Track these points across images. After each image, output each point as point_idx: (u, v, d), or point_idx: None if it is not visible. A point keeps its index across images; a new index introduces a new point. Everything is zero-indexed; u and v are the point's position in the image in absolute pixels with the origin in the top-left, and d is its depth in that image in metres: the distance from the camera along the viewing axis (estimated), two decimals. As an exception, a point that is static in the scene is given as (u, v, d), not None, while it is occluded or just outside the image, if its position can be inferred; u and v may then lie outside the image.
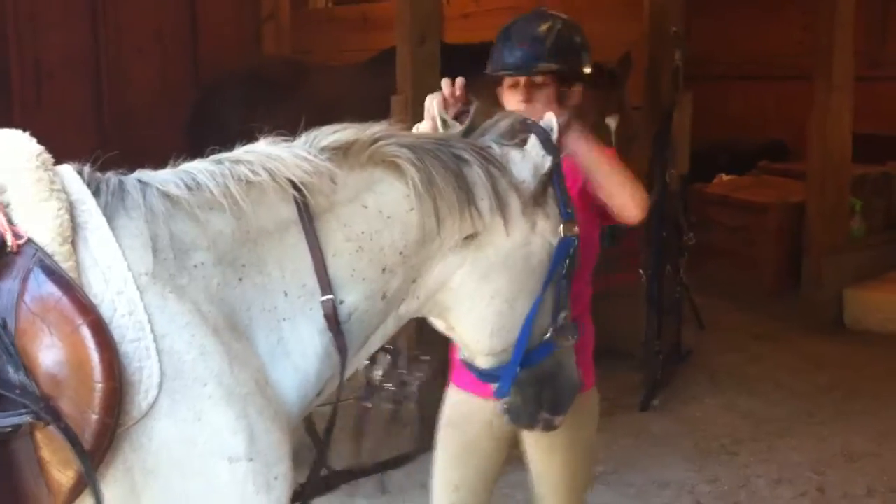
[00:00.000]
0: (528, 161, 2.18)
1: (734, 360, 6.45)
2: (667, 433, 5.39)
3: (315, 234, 1.96)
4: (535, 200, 2.18)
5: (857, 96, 7.08)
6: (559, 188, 2.21)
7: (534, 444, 2.94)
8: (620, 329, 6.32)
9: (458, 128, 2.34)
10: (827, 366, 6.27)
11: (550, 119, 2.22)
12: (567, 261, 2.21)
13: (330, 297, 1.97)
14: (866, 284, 7.14)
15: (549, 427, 2.40)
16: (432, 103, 2.48)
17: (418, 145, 2.09)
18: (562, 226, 2.19)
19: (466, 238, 2.13)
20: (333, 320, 1.97)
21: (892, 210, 7.86)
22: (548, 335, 2.25)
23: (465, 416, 2.88)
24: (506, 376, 2.27)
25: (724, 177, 8.55)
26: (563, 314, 2.26)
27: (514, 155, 2.18)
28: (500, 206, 2.12)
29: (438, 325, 2.32)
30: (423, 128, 2.53)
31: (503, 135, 2.22)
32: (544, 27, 2.83)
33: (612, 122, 5.11)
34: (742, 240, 7.72)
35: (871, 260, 7.39)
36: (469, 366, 2.38)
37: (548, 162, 2.18)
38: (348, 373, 2.13)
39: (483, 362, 2.28)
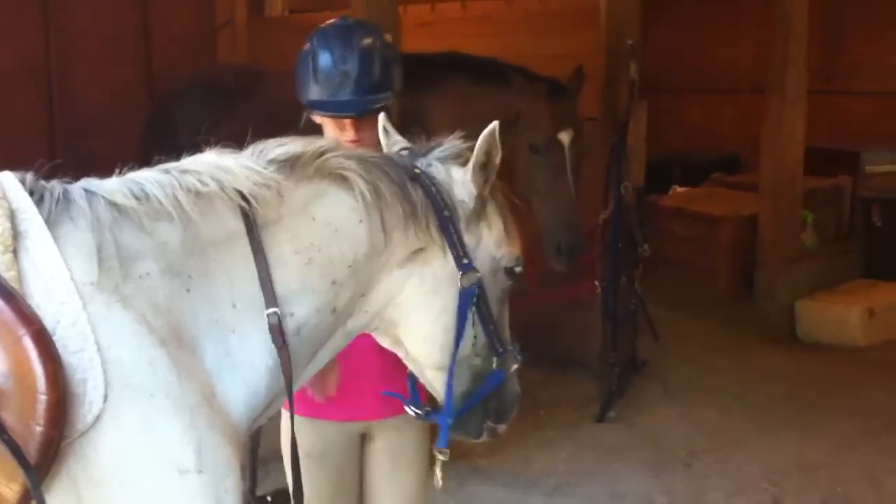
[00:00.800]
0: (470, 177, 2.19)
1: (689, 370, 6.48)
2: (623, 444, 5.40)
3: (261, 246, 1.95)
4: (478, 216, 2.20)
5: (809, 110, 7.17)
6: (454, 236, 2.17)
7: (379, 464, 2.88)
8: (577, 340, 6.36)
9: (400, 142, 2.37)
10: (780, 377, 6.32)
11: (492, 127, 2.19)
12: (475, 306, 2.19)
13: (275, 310, 1.94)
14: (818, 296, 7.22)
15: (493, 435, 2.42)
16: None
17: (364, 158, 2.11)
18: (459, 277, 2.17)
19: (414, 252, 2.14)
20: (278, 334, 1.94)
21: (843, 223, 7.96)
22: (494, 364, 2.27)
23: (328, 443, 2.79)
24: (444, 414, 2.31)
25: (679, 189, 8.62)
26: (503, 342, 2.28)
27: (456, 173, 2.20)
28: (443, 222, 2.14)
29: (384, 341, 2.31)
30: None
31: (447, 154, 2.23)
32: (366, 53, 2.72)
33: (565, 136, 5.10)
34: (696, 251, 7.79)
35: (822, 272, 7.47)
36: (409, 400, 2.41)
37: (485, 186, 2.19)
38: (296, 387, 2.10)
39: (432, 376, 2.28)
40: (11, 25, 6.03)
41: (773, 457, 5.21)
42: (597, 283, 5.92)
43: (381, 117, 2.45)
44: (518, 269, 2.28)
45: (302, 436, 2.61)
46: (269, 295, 1.94)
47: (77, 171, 1.94)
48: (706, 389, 6.16)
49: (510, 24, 7.49)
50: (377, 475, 2.86)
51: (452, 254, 2.15)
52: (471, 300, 2.18)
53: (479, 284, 2.18)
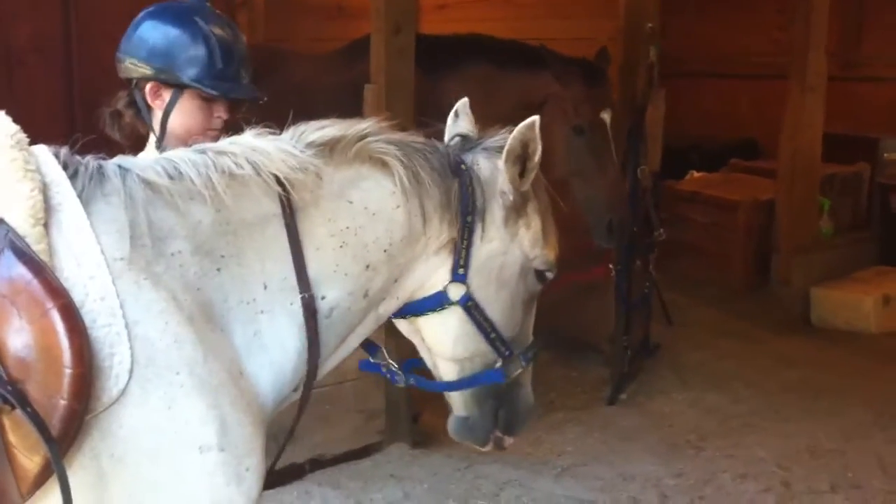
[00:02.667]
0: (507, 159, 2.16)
1: (702, 356, 6.49)
2: (634, 427, 5.42)
3: (296, 229, 1.95)
4: (518, 212, 2.19)
5: (829, 96, 7.14)
6: (463, 243, 2.16)
7: None
8: (590, 323, 6.37)
9: (464, 127, 2.34)
10: (793, 363, 6.33)
11: (533, 121, 2.17)
12: (467, 315, 2.18)
13: (309, 293, 1.96)
14: (833, 283, 7.21)
15: (498, 446, 2.40)
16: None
17: (406, 144, 2.10)
18: (447, 283, 2.16)
19: (449, 240, 2.14)
20: (311, 318, 1.96)
21: (860, 210, 7.93)
22: (498, 364, 2.25)
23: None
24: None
25: (696, 174, 8.60)
26: (516, 345, 2.27)
27: (501, 164, 2.17)
28: (483, 210, 2.14)
29: (402, 326, 2.31)
30: None
31: (496, 145, 2.21)
32: (241, 38, 2.68)
33: (606, 116, 5.16)
34: (712, 237, 7.78)
35: (838, 259, 7.46)
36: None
37: (522, 180, 2.17)
38: (325, 370, 2.13)
39: (444, 368, 2.28)
40: (30, 4, 6.05)
41: (784, 442, 5.22)
42: (611, 266, 5.94)
43: (462, 102, 2.38)
44: (549, 275, 2.27)
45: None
46: (303, 278, 1.95)
47: (97, 147, 1.96)
48: (718, 374, 6.16)
49: (528, 8, 7.48)
50: None
51: (453, 259, 2.14)
52: (437, 305, 2.17)
53: (469, 297, 2.16)
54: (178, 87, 2.55)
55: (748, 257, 7.71)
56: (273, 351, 1.94)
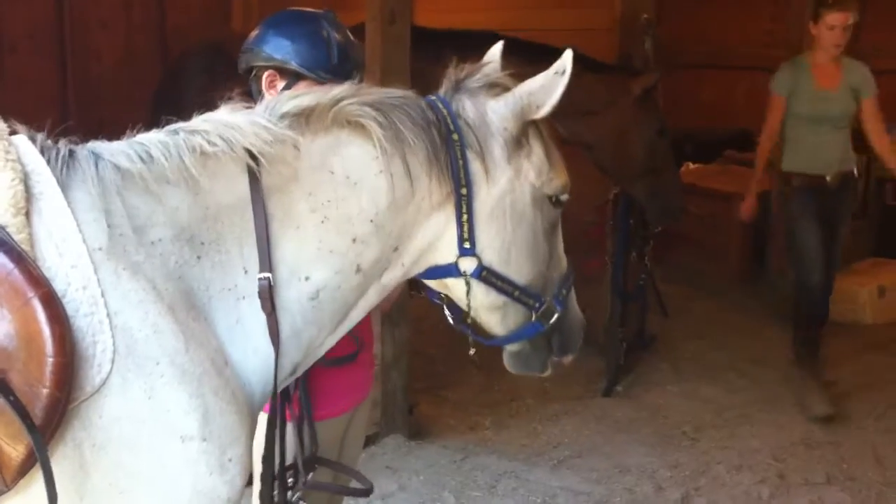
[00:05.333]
0: (511, 107, 2.07)
1: (697, 347, 6.49)
2: (629, 419, 5.42)
3: (262, 206, 1.89)
4: (518, 144, 2.10)
5: (825, 88, 7.10)
6: (463, 216, 2.07)
7: (355, 434, 2.91)
8: (585, 315, 6.34)
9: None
10: (788, 354, 6.32)
11: (568, 56, 2.07)
12: (484, 284, 2.12)
13: (267, 275, 1.89)
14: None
15: (558, 367, 2.37)
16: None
17: (383, 101, 2.01)
18: (457, 257, 2.08)
19: (448, 194, 2.04)
20: (268, 300, 1.89)
21: (856, 202, 7.91)
22: (533, 318, 2.20)
23: (333, 441, 2.78)
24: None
25: (691, 165, 8.58)
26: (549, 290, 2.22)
27: (493, 104, 2.09)
28: (482, 154, 2.05)
29: (432, 282, 2.23)
30: None
31: (481, 84, 2.12)
32: (359, 46, 2.81)
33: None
34: (708, 228, 7.76)
35: (834, 250, 7.42)
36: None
37: (543, 109, 2.07)
38: (322, 351, 2.09)
39: (484, 318, 2.21)
40: (24, -10, 6.02)
41: (779, 433, 5.22)
42: (607, 258, 5.93)
43: (497, 45, 2.32)
44: (564, 198, 2.18)
45: (323, 437, 2.63)
46: (265, 258, 1.88)
47: (89, 135, 1.92)
48: (714, 366, 6.17)
49: (523, -2, 7.45)
50: (350, 444, 2.88)
51: (457, 233, 2.06)
52: (449, 277, 2.11)
53: (482, 268, 2.09)
54: (294, 77, 2.61)
55: (744, 249, 7.71)
56: (256, 338, 1.90)
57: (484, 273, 2.10)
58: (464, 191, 2.04)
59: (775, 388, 5.82)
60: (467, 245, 2.07)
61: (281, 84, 2.62)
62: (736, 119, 9.37)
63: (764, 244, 7.47)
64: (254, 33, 2.71)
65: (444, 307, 2.28)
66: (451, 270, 2.11)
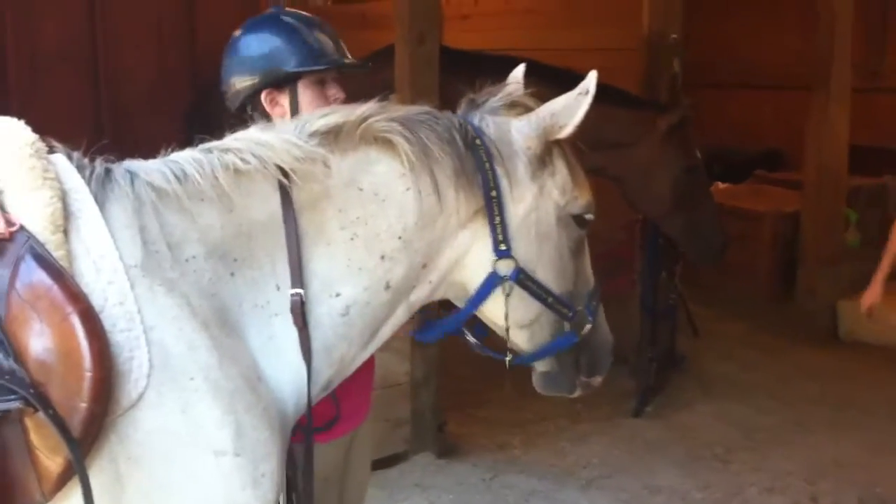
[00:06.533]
0: (535, 126, 2.08)
1: (728, 368, 6.45)
2: (660, 439, 5.39)
3: (294, 223, 1.91)
4: (542, 163, 2.10)
5: (854, 107, 7.08)
6: (496, 218, 2.07)
7: (358, 456, 2.85)
8: (615, 335, 6.32)
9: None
10: (820, 376, 6.27)
11: (592, 78, 2.08)
12: (522, 289, 2.10)
13: (299, 291, 1.91)
14: (860, 296, 7.11)
15: (587, 389, 2.35)
16: None
17: (409, 118, 2.02)
18: (494, 261, 2.07)
19: (476, 211, 2.06)
20: (300, 316, 1.91)
21: (887, 222, 7.83)
22: (567, 328, 2.19)
23: (341, 460, 2.75)
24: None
25: (721, 185, 8.56)
26: (580, 300, 2.20)
27: (516, 123, 2.10)
28: (506, 169, 2.05)
29: (458, 302, 2.22)
30: None
31: (501, 104, 2.13)
32: (325, 22, 2.71)
33: (698, 152, 5.43)
34: (737, 248, 7.69)
35: (865, 271, 7.32)
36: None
37: (566, 129, 2.07)
38: (353, 367, 2.09)
39: (514, 336, 2.18)
40: (57, 8, 6.10)
41: (811, 455, 5.17)
42: (636, 277, 5.91)
43: (519, 67, 2.31)
44: (589, 216, 2.18)
45: (321, 462, 2.54)
46: (296, 274, 1.90)
47: (123, 152, 1.95)
48: (745, 387, 6.12)
49: (549, 17, 7.45)
50: (355, 467, 2.83)
51: (492, 237, 2.06)
52: (495, 286, 2.09)
53: (520, 270, 2.08)
54: (291, 84, 2.53)
55: (774, 269, 7.66)
56: (289, 353, 1.92)
57: (521, 276, 2.09)
58: (494, 193, 2.05)
59: (807, 409, 5.76)
60: (503, 247, 2.07)
61: (282, 97, 2.54)
62: (764, 138, 9.35)
63: (794, 264, 7.42)
64: (223, 66, 2.61)
65: (465, 331, 2.28)
66: (491, 281, 2.09)
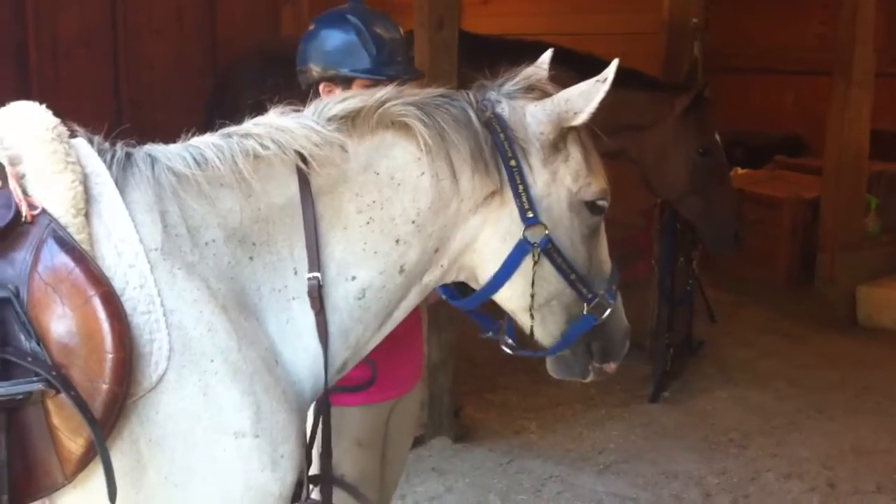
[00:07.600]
0: (549, 112, 2.07)
1: (745, 354, 6.44)
2: (677, 425, 5.39)
3: (312, 207, 1.93)
4: (555, 148, 2.09)
5: (876, 92, 7.04)
6: (519, 187, 2.07)
7: (399, 429, 2.92)
8: (632, 320, 6.31)
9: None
10: (838, 362, 6.25)
11: (613, 67, 2.06)
12: (547, 259, 2.09)
13: (316, 274, 1.93)
14: (880, 282, 7.11)
15: (600, 375, 2.33)
16: None
17: (426, 102, 2.03)
18: (523, 230, 2.06)
19: (487, 196, 2.06)
20: (317, 299, 1.93)
21: None
22: (585, 310, 2.17)
23: (377, 427, 2.80)
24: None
25: (740, 170, 8.52)
26: (597, 284, 2.18)
27: (531, 108, 2.09)
28: (522, 152, 2.06)
29: (472, 283, 2.22)
30: None
31: (519, 87, 2.12)
32: (394, 27, 2.83)
33: (716, 135, 5.39)
34: (756, 234, 7.68)
35: (885, 258, 7.35)
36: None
37: (580, 116, 2.05)
38: (368, 349, 2.11)
39: (522, 319, 2.19)
40: (79, -1, 6.13)
41: (829, 441, 5.16)
42: (654, 263, 5.91)
43: (547, 53, 2.31)
44: (602, 203, 2.15)
45: (353, 425, 2.66)
46: (314, 258, 1.92)
47: (144, 139, 1.96)
48: (762, 373, 6.11)
49: (569, 2, 7.44)
50: (396, 440, 2.90)
51: (517, 206, 2.05)
52: (525, 254, 2.07)
53: (548, 239, 2.07)
54: (346, 81, 2.69)
55: (793, 255, 7.64)
56: (306, 336, 1.94)
57: (549, 246, 2.08)
58: (513, 162, 2.04)
59: (825, 395, 5.75)
60: (530, 214, 2.06)
61: (337, 90, 2.67)
62: (785, 123, 9.30)
63: (813, 250, 7.39)
64: (299, 48, 2.78)
65: (504, 337, 2.29)
66: (522, 248, 2.07)
